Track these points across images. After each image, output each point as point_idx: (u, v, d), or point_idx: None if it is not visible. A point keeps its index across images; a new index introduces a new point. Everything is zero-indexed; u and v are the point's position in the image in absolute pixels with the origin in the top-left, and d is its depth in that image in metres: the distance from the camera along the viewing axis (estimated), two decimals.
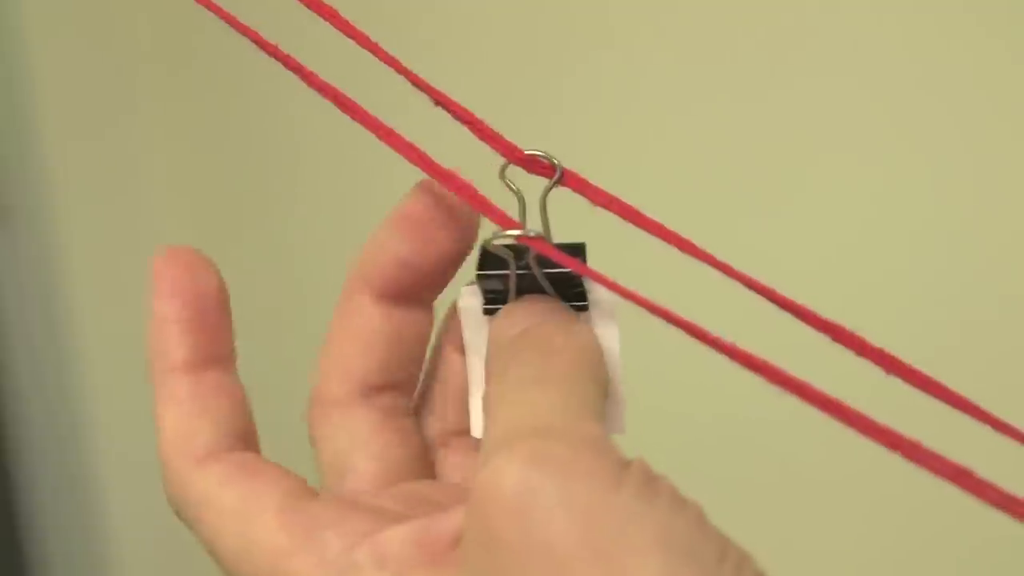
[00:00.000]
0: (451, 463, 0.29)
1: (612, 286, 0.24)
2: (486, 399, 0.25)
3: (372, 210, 0.29)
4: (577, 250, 0.26)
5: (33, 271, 1.09)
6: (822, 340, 0.26)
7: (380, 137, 0.26)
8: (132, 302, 1.12)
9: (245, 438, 0.27)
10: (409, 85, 0.26)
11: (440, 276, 0.28)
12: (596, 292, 0.28)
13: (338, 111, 0.27)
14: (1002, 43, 0.64)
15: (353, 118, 0.26)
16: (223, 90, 1.02)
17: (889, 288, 0.70)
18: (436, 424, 0.30)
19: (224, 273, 0.28)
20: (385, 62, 0.26)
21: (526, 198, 0.27)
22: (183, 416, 0.27)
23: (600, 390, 0.25)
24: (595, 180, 0.27)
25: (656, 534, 0.20)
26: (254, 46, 0.27)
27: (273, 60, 0.27)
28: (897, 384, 0.26)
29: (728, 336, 0.23)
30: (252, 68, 0.97)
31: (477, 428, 0.28)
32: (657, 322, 0.24)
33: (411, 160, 0.25)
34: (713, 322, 0.24)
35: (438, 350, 0.30)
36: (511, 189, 0.27)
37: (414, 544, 0.23)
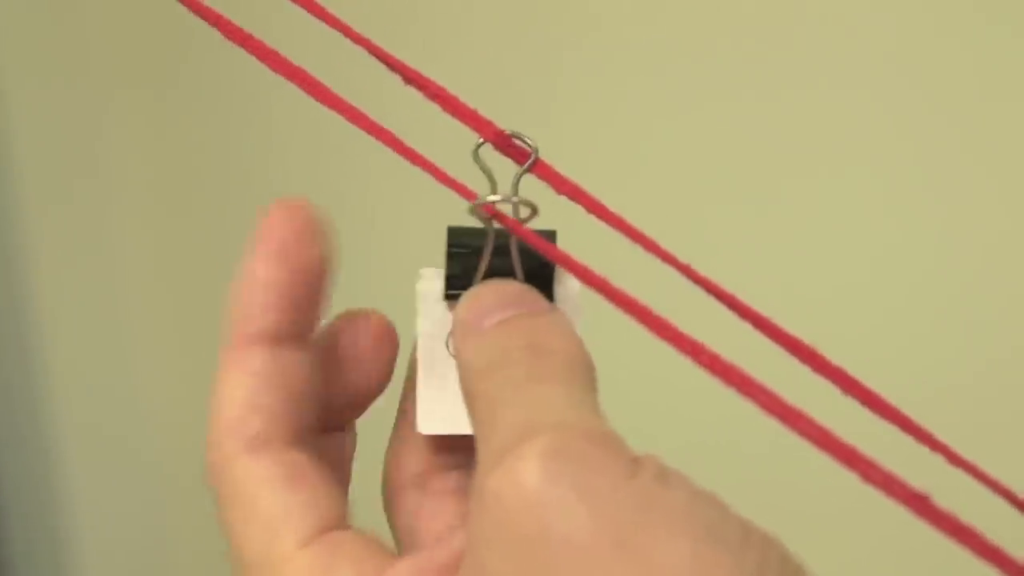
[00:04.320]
0: (428, 509, 0.28)
1: (590, 277, 0.24)
2: (475, 396, 0.24)
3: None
4: (549, 237, 0.26)
5: None
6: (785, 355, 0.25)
7: (347, 118, 0.25)
8: (97, 301, 1.09)
9: (302, 433, 0.26)
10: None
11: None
12: (565, 284, 0.27)
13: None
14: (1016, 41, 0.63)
15: (320, 101, 0.26)
16: (195, 116, 1.00)
17: (879, 294, 0.69)
18: (413, 462, 0.28)
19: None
20: (357, 42, 0.25)
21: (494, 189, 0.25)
22: (248, 391, 0.25)
23: (594, 387, 0.24)
24: (586, 181, 0.26)
25: (677, 519, 0.20)
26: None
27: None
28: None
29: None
30: (229, 117, 0.96)
31: (425, 423, 0.27)
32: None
33: (380, 139, 0.25)
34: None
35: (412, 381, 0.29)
36: (482, 169, 0.25)
37: (418, 572, 0.23)
